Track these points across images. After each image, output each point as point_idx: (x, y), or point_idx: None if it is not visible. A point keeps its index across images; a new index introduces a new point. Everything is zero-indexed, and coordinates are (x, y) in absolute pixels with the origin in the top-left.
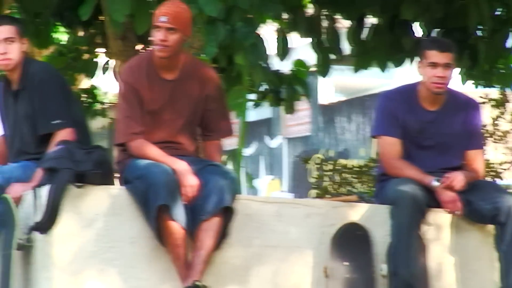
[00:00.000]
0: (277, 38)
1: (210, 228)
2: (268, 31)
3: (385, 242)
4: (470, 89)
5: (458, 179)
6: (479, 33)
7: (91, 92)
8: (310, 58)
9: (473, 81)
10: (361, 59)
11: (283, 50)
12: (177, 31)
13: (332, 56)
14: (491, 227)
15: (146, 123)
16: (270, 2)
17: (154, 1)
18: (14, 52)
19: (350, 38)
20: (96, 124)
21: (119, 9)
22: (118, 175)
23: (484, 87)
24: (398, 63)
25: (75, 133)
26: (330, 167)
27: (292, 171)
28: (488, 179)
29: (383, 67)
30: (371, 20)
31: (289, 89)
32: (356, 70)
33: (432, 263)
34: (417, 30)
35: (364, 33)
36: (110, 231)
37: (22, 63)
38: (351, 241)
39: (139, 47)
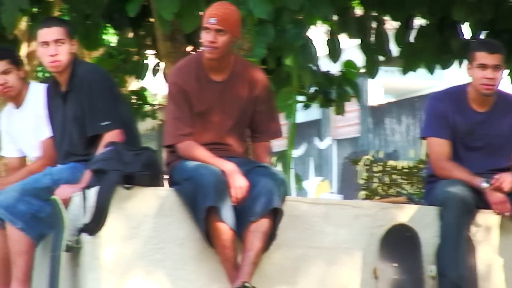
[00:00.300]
0: (327, 40)
1: (258, 229)
2: (317, 33)
3: (433, 243)
4: None
5: (507, 180)
6: None
7: (140, 94)
8: (359, 59)
9: None
10: (409, 60)
11: (334, 52)
12: (226, 32)
13: (380, 58)
14: None
15: (195, 125)
16: (319, 4)
17: (201, 0)
18: (63, 53)
19: (397, 40)
20: (145, 125)
21: (167, 6)
22: (167, 177)
23: None
24: (446, 64)
25: (124, 135)
26: (379, 168)
27: (341, 173)
28: None
29: (430, 69)
30: (419, 22)
31: (338, 90)
32: (403, 72)
33: (481, 264)
34: (465, 31)
35: (412, 35)
36: (158, 232)
37: (71, 64)
38: (399, 243)
39: (187, 48)
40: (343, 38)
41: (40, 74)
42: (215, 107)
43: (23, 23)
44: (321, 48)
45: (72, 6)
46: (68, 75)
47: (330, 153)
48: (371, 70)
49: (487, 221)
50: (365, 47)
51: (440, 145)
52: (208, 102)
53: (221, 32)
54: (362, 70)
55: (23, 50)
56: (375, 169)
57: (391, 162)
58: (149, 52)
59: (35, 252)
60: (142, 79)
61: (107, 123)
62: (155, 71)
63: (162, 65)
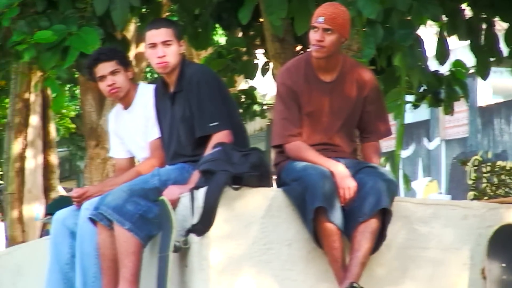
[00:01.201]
0: (437, 42)
1: (367, 230)
2: (426, 33)
3: None
4: None
5: None
6: None
7: (249, 93)
8: (468, 59)
9: None
10: None
11: (442, 54)
12: (334, 32)
13: (491, 59)
14: None
15: (303, 125)
16: (428, 4)
17: (314, 3)
18: (171, 55)
19: (506, 40)
20: (254, 126)
21: (275, 12)
22: (275, 177)
23: None
24: None
25: (232, 135)
26: (488, 169)
27: (450, 173)
28: None
29: None
30: None
31: (447, 90)
32: None
33: None
34: None
35: None
36: (267, 233)
37: (179, 65)
38: (508, 243)
39: (297, 48)
40: (452, 38)
41: (148, 75)
42: (323, 107)
43: (132, 24)
44: (431, 48)
45: (181, 6)
46: (176, 76)
47: (439, 154)
48: (483, 71)
49: None
50: (475, 48)
51: None
52: (317, 102)
53: (329, 32)
54: (471, 71)
55: (132, 51)
56: (483, 169)
57: (499, 163)
58: (259, 52)
59: (143, 253)
60: (252, 79)
61: (215, 123)
62: (264, 71)
63: (271, 64)
